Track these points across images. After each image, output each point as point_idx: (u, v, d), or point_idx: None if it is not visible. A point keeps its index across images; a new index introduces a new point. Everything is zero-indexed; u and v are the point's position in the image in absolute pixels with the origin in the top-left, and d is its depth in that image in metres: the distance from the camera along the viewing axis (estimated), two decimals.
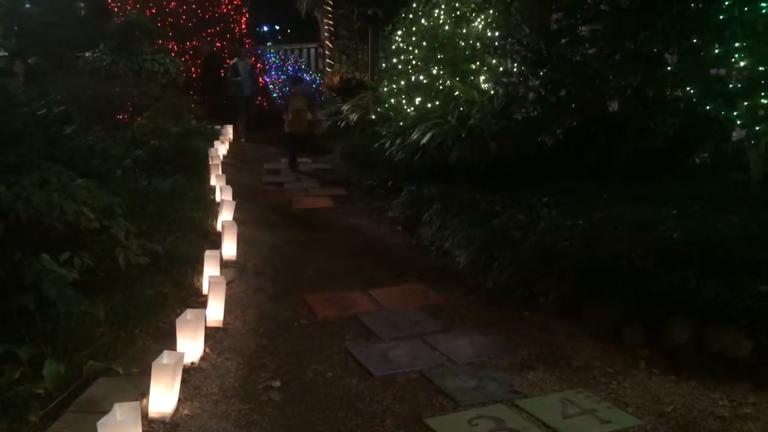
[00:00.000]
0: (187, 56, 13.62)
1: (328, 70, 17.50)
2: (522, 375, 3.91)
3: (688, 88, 5.72)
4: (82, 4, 13.76)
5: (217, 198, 7.46)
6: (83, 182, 4.42)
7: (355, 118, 11.86)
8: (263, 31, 17.68)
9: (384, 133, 9.33)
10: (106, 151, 5.68)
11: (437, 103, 8.82)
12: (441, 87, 9.17)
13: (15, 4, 11.64)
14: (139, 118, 9.08)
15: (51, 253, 3.78)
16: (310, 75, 17.69)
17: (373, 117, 11.03)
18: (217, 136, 11.22)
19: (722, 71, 5.15)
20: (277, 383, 3.76)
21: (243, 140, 12.88)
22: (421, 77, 9.72)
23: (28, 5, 11.59)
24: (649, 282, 4.37)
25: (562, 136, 6.65)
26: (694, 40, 5.63)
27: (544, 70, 6.73)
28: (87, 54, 11.19)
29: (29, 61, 9.72)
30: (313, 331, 4.57)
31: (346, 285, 5.46)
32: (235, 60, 13.17)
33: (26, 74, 9.45)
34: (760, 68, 5.37)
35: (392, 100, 10.55)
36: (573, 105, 6.49)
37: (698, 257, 4.54)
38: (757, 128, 5.38)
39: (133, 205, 5.44)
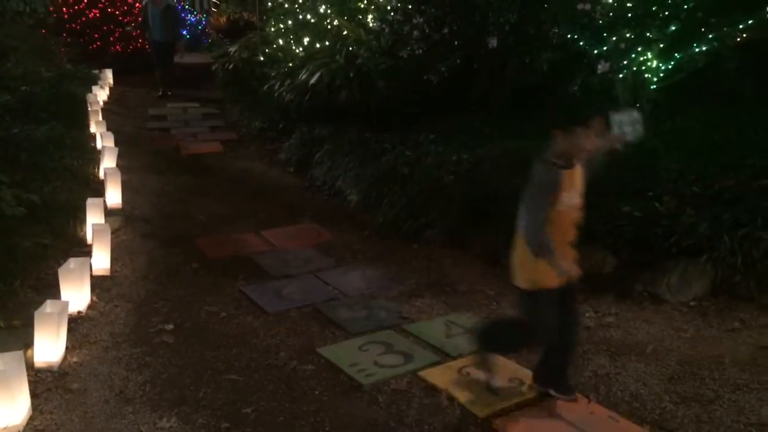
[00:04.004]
0: None
1: (214, 10, 16.83)
2: (410, 303, 4.11)
3: (561, 24, 5.99)
4: None
5: (98, 145, 7.14)
6: None
7: (244, 60, 11.52)
8: None
9: (273, 74, 9.15)
10: None
11: (326, 42, 8.73)
12: (329, 26, 9.06)
13: None
14: (5, 63, 8.43)
15: None
16: (195, 15, 16.95)
17: (262, 58, 10.77)
18: (95, 80, 10.61)
19: (588, 6, 5.42)
20: (170, 326, 3.77)
21: (159, 93, 11.40)
22: (309, 16, 9.55)
23: None
24: None
25: (447, 73, 6.79)
26: None
27: (428, 7, 6.80)
28: None
29: None
30: (205, 274, 4.56)
31: (238, 228, 5.45)
32: (146, 1, 11.45)
33: None
34: (628, 4, 5.68)
35: (280, 41, 10.31)
36: (456, 42, 6.62)
37: None
38: (623, 62, 5.74)
39: (5, 155, 5.14)
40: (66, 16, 12.81)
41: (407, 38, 7.07)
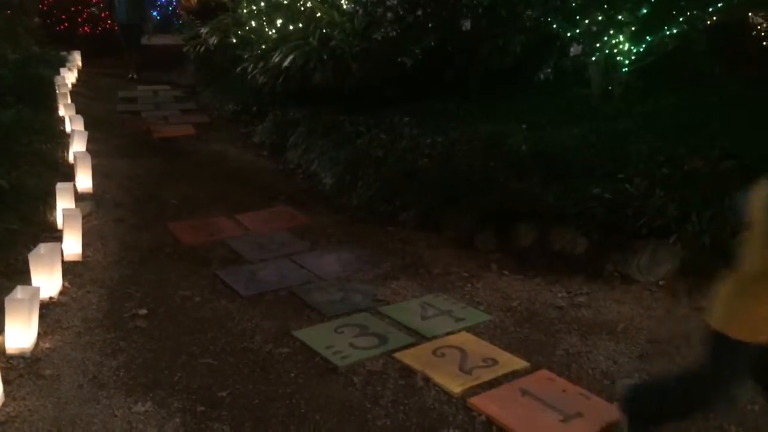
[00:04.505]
0: None
1: None
2: (386, 285, 4.13)
3: (534, 7, 6.02)
4: None
5: (68, 129, 7.01)
6: None
7: (215, 42, 11.34)
8: None
9: (246, 56, 9.04)
10: None
11: (299, 24, 8.64)
12: (302, 8, 8.96)
13: None
14: None
15: None
16: None
17: (234, 40, 10.62)
18: (63, 62, 10.40)
19: None
20: (144, 311, 3.74)
21: (129, 76, 11.10)
22: None
23: None
24: (499, 191, 4.70)
25: (421, 56, 6.80)
26: None
27: None
28: None
29: None
30: (179, 258, 4.53)
31: (211, 211, 5.40)
32: None
33: None
34: None
35: (253, 23, 10.18)
36: (429, 25, 6.62)
37: (543, 166, 4.93)
38: (596, 45, 5.79)
39: None
40: None
41: (381, 20, 7.05)
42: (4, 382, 2.89)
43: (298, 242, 4.83)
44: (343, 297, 3.94)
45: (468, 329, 3.55)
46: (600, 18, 5.54)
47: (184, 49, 11.88)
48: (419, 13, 6.71)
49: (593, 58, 6.05)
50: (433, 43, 6.86)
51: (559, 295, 3.93)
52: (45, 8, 12.65)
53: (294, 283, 4.13)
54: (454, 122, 6.08)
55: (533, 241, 4.33)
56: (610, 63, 6.00)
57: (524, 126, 5.72)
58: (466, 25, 6.31)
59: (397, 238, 4.86)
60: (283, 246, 4.75)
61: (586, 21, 5.85)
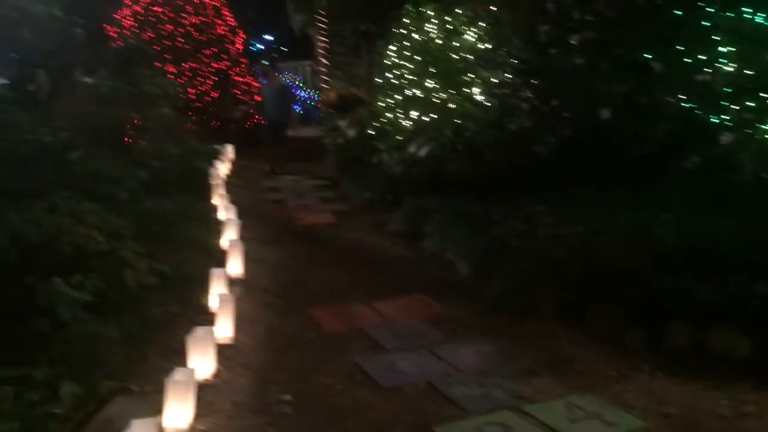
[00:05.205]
0: (183, 78, 13.79)
1: (325, 86, 17.67)
2: (527, 381, 3.99)
3: (677, 94, 5.86)
4: (80, 30, 13.88)
5: (221, 217, 7.56)
6: (91, 206, 4.53)
7: (353, 133, 11.97)
8: (258, 49, 17.98)
9: (382, 147, 9.44)
10: (111, 174, 5.79)
11: (433, 116, 8.94)
12: (436, 100, 9.29)
13: (11, 32, 11.75)
14: (141, 141, 9.19)
15: (62, 277, 3.87)
16: (307, 92, 17.90)
17: (371, 132, 11.15)
18: (217, 155, 11.34)
19: (708, 77, 5.29)
20: (288, 396, 3.84)
21: (268, 169, 12.07)
22: (416, 91, 9.84)
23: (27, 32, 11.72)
24: (647, 285, 4.47)
25: (557, 145, 6.76)
26: (679, 47, 5.76)
27: (536, 80, 6.86)
28: (87, 79, 11.31)
29: (30, 88, 9.82)
30: (320, 344, 4.65)
31: (350, 298, 5.55)
32: (264, 82, 12.81)
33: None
34: (746, 72, 5.50)
35: (389, 115, 10.66)
36: (565, 114, 6.60)
37: (695, 259, 4.64)
38: (745, 131, 5.51)
39: (139, 227, 5.52)
40: (192, 97, 13.89)
41: (515, 110, 7.13)
42: None
43: (435, 332, 4.82)
44: (484, 392, 3.85)
45: None
46: (751, 104, 5.29)
47: (324, 141, 12.62)
48: (554, 103, 6.73)
49: (745, 145, 5.74)
50: (569, 132, 6.81)
51: (722, 402, 3.61)
52: (202, 106, 13.98)
53: (433, 375, 4.10)
54: (593, 211, 5.91)
55: (688, 341, 4.06)
56: (764, 150, 5.66)
57: (670, 216, 5.46)
58: (604, 113, 6.23)
59: (537, 331, 4.73)
60: (420, 336, 4.75)
61: (736, 108, 5.59)
